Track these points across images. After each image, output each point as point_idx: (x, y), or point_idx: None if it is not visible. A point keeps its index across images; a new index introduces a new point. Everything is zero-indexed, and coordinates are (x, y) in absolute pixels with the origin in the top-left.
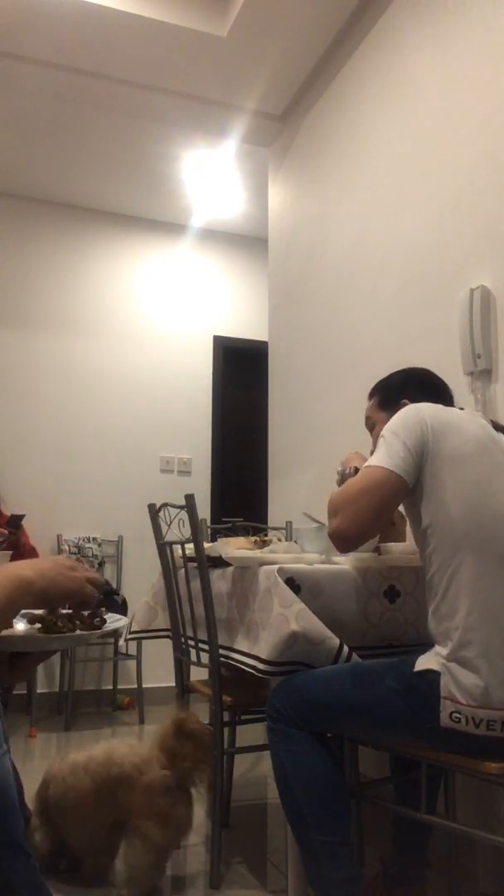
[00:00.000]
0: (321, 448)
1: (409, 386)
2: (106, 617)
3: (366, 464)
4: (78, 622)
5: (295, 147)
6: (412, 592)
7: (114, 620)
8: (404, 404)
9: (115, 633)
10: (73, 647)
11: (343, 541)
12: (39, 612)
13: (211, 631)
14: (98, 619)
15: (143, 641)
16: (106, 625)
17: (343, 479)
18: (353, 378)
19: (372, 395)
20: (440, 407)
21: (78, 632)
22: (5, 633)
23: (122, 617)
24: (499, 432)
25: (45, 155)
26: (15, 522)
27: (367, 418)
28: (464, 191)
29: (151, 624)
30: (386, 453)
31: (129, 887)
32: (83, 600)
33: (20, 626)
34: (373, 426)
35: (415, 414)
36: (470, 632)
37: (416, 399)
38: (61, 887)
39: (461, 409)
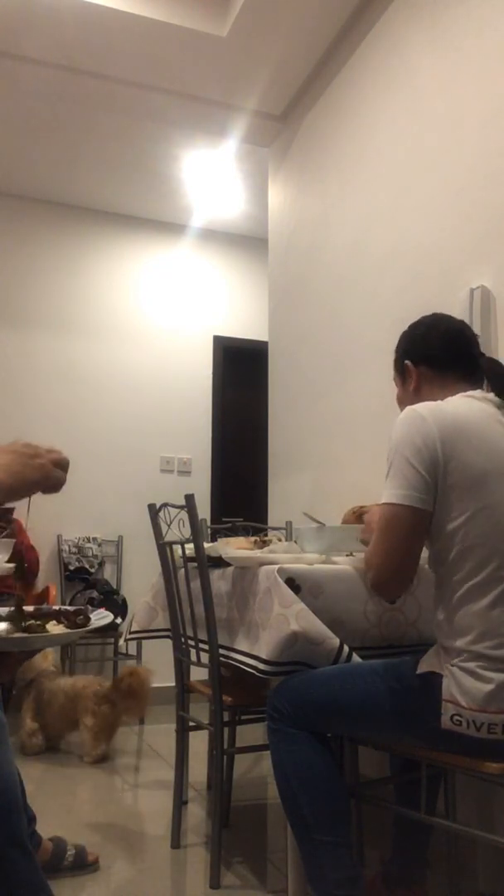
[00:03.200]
0: (321, 448)
1: (412, 344)
2: (91, 615)
3: (381, 499)
4: (64, 620)
5: (295, 147)
6: (412, 592)
7: (99, 618)
8: (407, 367)
9: (116, 633)
10: (73, 648)
11: (383, 591)
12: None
13: (211, 631)
14: (82, 617)
15: (143, 641)
16: (90, 623)
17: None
18: (354, 378)
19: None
20: (446, 411)
21: (62, 630)
22: None
23: (108, 614)
24: None
25: (45, 155)
26: (4, 516)
27: (394, 378)
28: (464, 190)
29: (151, 624)
30: (397, 484)
31: (85, 753)
32: (52, 485)
33: (1, 626)
34: (397, 386)
35: (419, 428)
36: (476, 654)
37: (420, 359)
38: (62, 886)
39: (485, 358)
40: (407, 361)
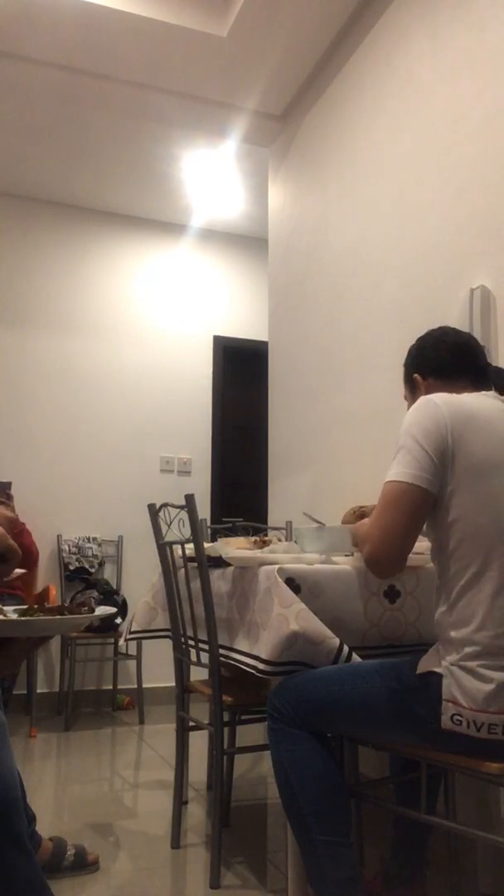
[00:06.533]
0: (321, 448)
1: (419, 358)
2: (95, 607)
3: (387, 478)
4: (67, 614)
5: (295, 147)
6: (412, 592)
7: (104, 610)
8: (415, 380)
9: (116, 633)
10: (73, 647)
11: (377, 566)
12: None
13: (211, 631)
14: (86, 608)
15: (143, 641)
16: (94, 613)
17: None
18: (353, 378)
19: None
20: (461, 401)
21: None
22: None
23: (111, 608)
24: None
25: (45, 155)
26: (3, 491)
27: (405, 395)
28: (464, 190)
29: (151, 624)
30: (404, 463)
31: None
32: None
33: (10, 613)
34: (407, 400)
35: (432, 414)
36: (480, 646)
37: (427, 371)
38: (62, 886)
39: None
40: (416, 375)
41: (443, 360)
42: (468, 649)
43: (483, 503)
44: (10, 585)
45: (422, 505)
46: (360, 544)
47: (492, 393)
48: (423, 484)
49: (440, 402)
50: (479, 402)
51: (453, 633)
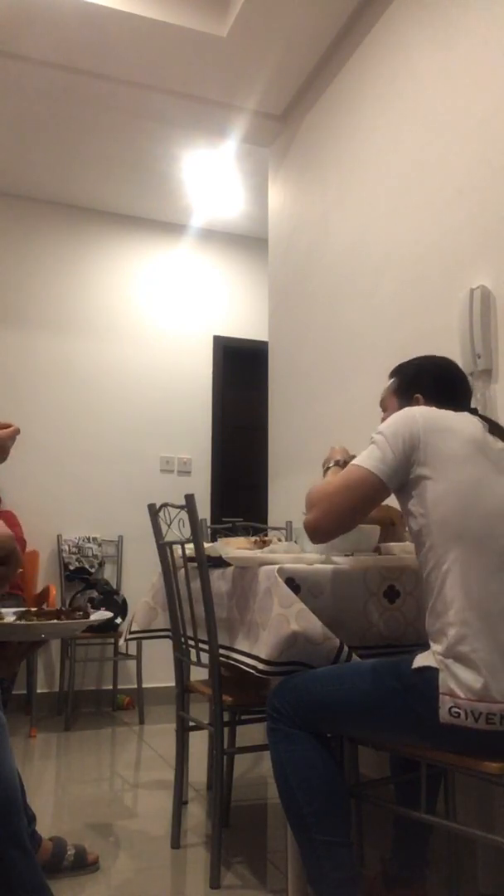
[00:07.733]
0: (321, 448)
1: (423, 380)
2: (90, 613)
3: (352, 462)
4: (64, 619)
5: (295, 147)
6: (412, 592)
7: (98, 613)
8: (416, 399)
9: (116, 633)
10: (73, 647)
11: (314, 534)
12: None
13: (211, 631)
14: (81, 613)
15: (143, 641)
16: (89, 619)
17: (326, 471)
18: (353, 378)
19: (391, 376)
20: (434, 411)
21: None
22: None
23: (109, 613)
24: (497, 433)
25: (45, 155)
26: None
27: (382, 400)
28: (464, 190)
29: (151, 624)
30: (371, 455)
31: None
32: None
33: (9, 616)
34: (386, 409)
35: (408, 419)
36: (464, 628)
37: (428, 395)
38: (62, 886)
39: (473, 408)
40: (418, 395)
41: (436, 389)
42: (452, 631)
43: (450, 492)
44: (11, 584)
45: (376, 495)
46: (308, 507)
47: (466, 412)
48: (381, 475)
49: (417, 414)
50: (450, 414)
51: (440, 622)
